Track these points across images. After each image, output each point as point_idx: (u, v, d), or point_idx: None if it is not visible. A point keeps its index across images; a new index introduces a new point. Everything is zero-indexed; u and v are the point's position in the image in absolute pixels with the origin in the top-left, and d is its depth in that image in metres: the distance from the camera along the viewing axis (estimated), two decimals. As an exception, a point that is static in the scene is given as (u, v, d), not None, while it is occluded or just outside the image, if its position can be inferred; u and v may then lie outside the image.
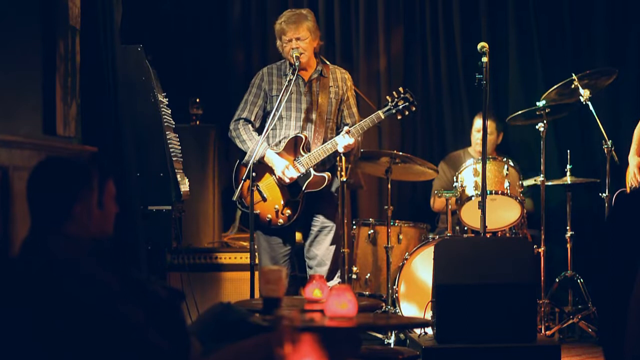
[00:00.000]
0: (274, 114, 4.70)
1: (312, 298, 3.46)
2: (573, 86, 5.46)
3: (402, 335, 5.01)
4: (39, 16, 3.67)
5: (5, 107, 3.32)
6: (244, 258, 5.48)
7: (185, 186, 4.85)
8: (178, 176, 4.70)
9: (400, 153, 5.34)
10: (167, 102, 4.84)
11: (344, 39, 6.85)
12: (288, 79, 4.73)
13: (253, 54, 6.83)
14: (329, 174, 4.83)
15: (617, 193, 5.32)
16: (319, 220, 4.89)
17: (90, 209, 2.51)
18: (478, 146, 5.96)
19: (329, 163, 4.91)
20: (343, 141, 4.73)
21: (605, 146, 5.37)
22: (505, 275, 4.35)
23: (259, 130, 4.87)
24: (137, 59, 4.63)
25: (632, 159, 5.34)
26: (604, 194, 5.38)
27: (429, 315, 4.68)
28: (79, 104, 4.05)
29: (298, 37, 4.75)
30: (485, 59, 4.75)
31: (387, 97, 4.90)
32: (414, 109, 4.90)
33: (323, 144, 4.81)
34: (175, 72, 6.38)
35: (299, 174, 4.77)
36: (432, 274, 4.47)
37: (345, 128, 4.75)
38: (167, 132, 4.68)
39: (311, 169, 4.80)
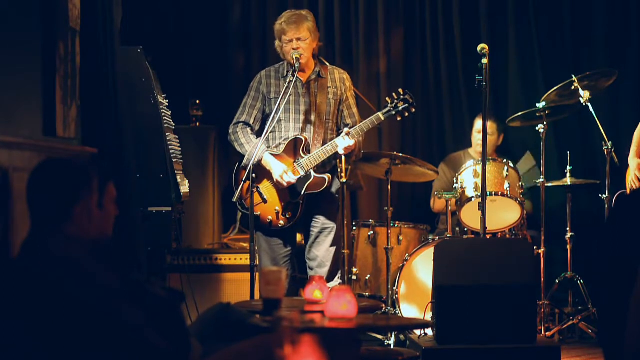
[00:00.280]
0: (273, 116, 4.71)
1: (312, 299, 3.46)
2: (573, 87, 5.46)
3: (402, 337, 5.01)
4: (39, 17, 3.67)
5: (6, 109, 3.32)
6: (244, 259, 5.47)
7: (185, 187, 4.85)
8: (178, 177, 4.70)
9: (400, 154, 5.34)
10: (167, 104, 4.84)
11: (344, 39, 6.85)
12: (288, 80, 4.73)
13: (253, 56, 6.83)
14: (329, 175, 4.83)
15: (617, 194, 5.32)
16: (320, 222, 4.89)
17: (90, 210, 2.51)
18: (479, 147, 5.97)
19: (329, 164, 4.91)
20: (343, 143, 4.73)
21: (605, 147, 5.36)
22: (505, 277, 4.35)
23: (259, 133, 4.87)
24: (137, 60, 4.62)
25: (632, 160, 5.34)
26: (604, 195, 5.38)
27: (429, 317, 4.68)
28: (79, 105, 4.05)
29: (299, 38, 4.75)
30: (485, 61, 4.75)
31: (387, 98, 4.91)
32: (413, 110, 4.91)
33: (323, 145, 4.81)
34: (175, 74, 6.38)
35: (298, 177, 4.77)
36: (432, 275, 4.47)
37: (345, 130, 4.75)
38: (167, 134, 4.68)
39: (311, 171, 4.80)
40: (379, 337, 5.10)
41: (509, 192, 5.27)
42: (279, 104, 4.70)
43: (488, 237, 4.94)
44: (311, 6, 6.77)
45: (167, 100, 4.85)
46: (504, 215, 5.34)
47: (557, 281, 5.57)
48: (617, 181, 5.53)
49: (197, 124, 6.19)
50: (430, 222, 6.07)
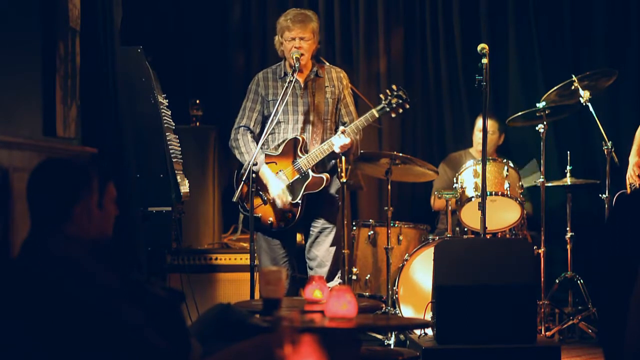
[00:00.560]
0: (272, 118, 4.70)
1: (312, 299, 3.46)
2: (573, 87, 5.46)
3: (402, 336, 5.01)
4: (39, 17, 3.67)
5: (6, 109, 3.32)
6: (243, 259, 5.47)
7: (185, 187, 4.85)
8: (178, 177, 4.70)
9: (400, 154, 5.34)
10: (167, 103, 4.84)
11: (344, 39, 6.85)
12: (288, 80, 4.72)
13: (253, 55, 6.83)
14: (328, 175, 4.83)
15: (617, 194, 5.32)
16: (320, 222, 4.89)
17: (90, 210, 2.51)
18: (480, 146, 5.97)
19: (329, 164, 4.91)
20: (339, 141, 4.72)
21: (605, 147, 5.36)
22: (505, 276, 4.35)
23: (260, 136, 4.87)
24: (137, 60, 4.62)
25: (632, 158, 5.34)
26: (604, 195, 5.38)
27: (429, 316, 4.68)
28: (79, 105, 4.05)
29: (302, 37, 4.75)
30: (485, 60, 4.75)
31: (381, 95, 4.89)
32: (407, 106, 4.89)
33: (321, 144, 4.81)
34: (175, 74, 6.38)
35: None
36: (432, 275, 4.47)
37: (341, 128, 4.75)
38: (167, 134, 4.68)
39: (309, 171, 4.79)
40: (379, 337, 5.10)
41: (509, 192, 5.27)
42: (278, 106, 4.69)
43: (488, 237, 4.94)
44: (311, 6, 6.76)
45: (167, 100, 4.85)
46: (504, 215, 5.34)
47: (557, 281, 5.57)
48: (617, 181, 5.52)
49: (197, 123, 6.19)
50: (430, 222, 6.07)
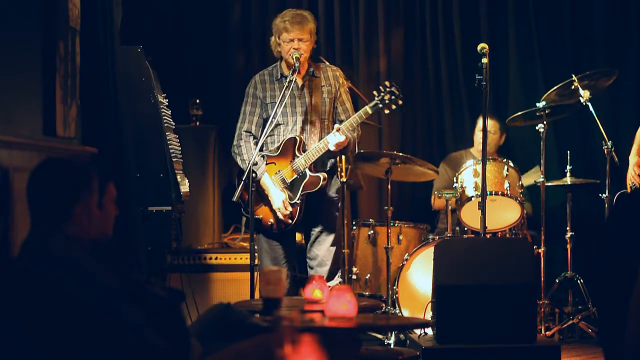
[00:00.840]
0: (271, 121, 4.70)
1: (312, 298, 3.46)
2: (573, 87, 5.46)
3: (402, 336, 5.01)
4: (39, 17, 3.67)
5: (6, 108, 3.32)
6: (243, 259, 5.47)
7: (185, 187, 4.85)
8: (178, 177, 4.71)
9: (400, 154, 5.33)
10: (167, 103, 4.84)
11: (344, 39, 6.85)
12: (288, 80, 4.72)
13: (253, 55, 6.83)
14: (325, 174, 4.82)
15: (618, 194, 5.32)
16: (320, 222, 4.89)
17: (90, 210, 2.51)
18: (480, 145, 5.97)
19: (329, 163, 4.91)
20: (334, 139, 4.71)
21: (605, 147, 5.36)
22: (505, 276, 4.35)
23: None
24: (137, 59, 4.63)
25: (632, 158, 5.34)
26: (604, 195, 5.38)
27: (429, 316, 4.68)
28: (79, 105, 4.05)
29: (301, 38, 4.74)
30: (485, 60, 4.75)
31: (374, 92, 4.89)
32: (400, 102, 4.87)
33: (317, 143, 4.81)
34: (175, 73, 6.38)
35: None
36: (432, 274, 4.47)
37: (336, 126, 4.74)
38: (167, 133, 4.68)
39: (306, 170, 4.79)
40: (379, 336, 5.10)
41: (509, 192, 5.27)
42: (277, 108, 4.69)
43: (488, 236, 4.94)
44: (311, 6, 6.77)
45: (167, 100, 4.85)
46: (504, 214, 5.34)
47: (557, 281, 5.57)
48: (617, 181, 5.52)
49: (197, 123, 6.19)
50: (430, 221, 6.08)
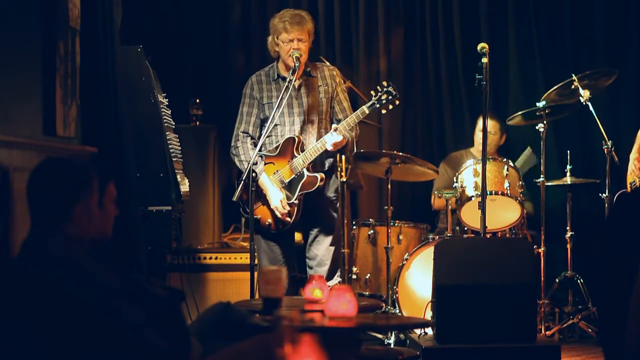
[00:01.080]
0: (270, 121, 4.69)
1: (312, 298, 3.46)
2: (573, 87, 5.46)
3: (402, 336, 5.01)
4: (39, 17, 3.67)
5: (6, 108, 3.32)
6: (244, 258, 5.47)
7: (185, 187, 4.85)
8: (178, 177, 4.71)
9: (401, 153, 5.34)
10: (167, 103, 4.84)
11: (344, 39, 6.85)
12: (287, 80, 4.71)
13: (253, 56, 6.83)
14: (322, 174, 4.82)
15: (618, 193, 5.32)
16: (319, 221, 4.89)
17: (90, 210, 2.51)
18: (480, 145, 5.97)
19: (327, 163, 4.90)
20: (331, 139, 4.71)
21: (605, 147, 5.36)
22: (505, 276, 4.35)
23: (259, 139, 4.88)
24: (137, 59, 4.63)
25: (632, 155, 5.35)
26: (604, 195, 5.38)
27: (428, 316, 4.68)
28: (79, 104, 4.05)
29: (300, 39, 4.74)
30: (485, 60, 4.75)
31: (372, 91, 4.88)
32: (397, 102, 4.87)
33: (315, 143, 4.80)
34: (175, 73, 6.38)
35: (290, 178, 4.77)
36: (432, 274, 4.47)
37: (334, 126, 4.74)
38: (167, 133, 4.68)
39: (304, 170, 4.78)
40: (379, 336, 5.10)
41: (509, 191, 5.27)
42: (277, 109, 4.68)
43: (488, 236, 4.94)
44: (311, 6, 6.77)
45: (167, 100, 4.85)
46: (504, 214, 5.34)
47: (557, 280, 5.57)
48: (617, 180, 5.53)
49: (197, 123, 6.20)
50: (430, 221, 6.08)
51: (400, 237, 5.51)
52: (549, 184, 5.55)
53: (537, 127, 5.44)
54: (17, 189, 3.09)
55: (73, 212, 2.48)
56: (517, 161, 6.08)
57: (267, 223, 4.82)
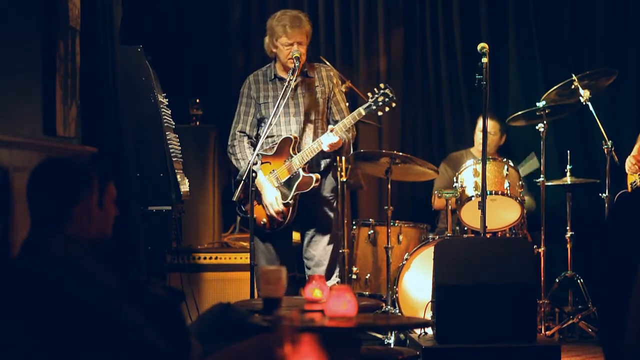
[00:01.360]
0: (270, 122, 4.69)
1: (312, 298, 3.46)
2: (573, 87, 5.46)
3: (402, 336, 5.01)
4: (39, 17, 3.67)
5: (6, 108, 3.32)
6: (244, 258, 5.47)
7: (185, 186, 4.85)
8: (178, 176, 4.71)
9: (401, 153, 5.34)
10: (167, 103, 4.84)
11: (344, 39, 6.85)
12: (288, 80, 4.71)
13: (253, 55, 6.83)
14: (318, 175, 4.81)
15: (619, 193, 5.32)
16: (316, 221, 4.88)
17: (90, 210, 2.51)
18: (481, 145, 5.97)
19: (323, 163, 4.89)
20: (327, 139, 4.70)
21: (605, 147, 5.36)
22: (505, 276, 4.35)
23: (257, 138, 4.88)
24: (137, 59, 4.63)
25: (632, 153, 5.35)
26: (604, 195, 5.38)
27: (428, 316, 4.68)
28: (79, 104, 4.05)
29: (300, 42, 4.74)
30: (485, 60, 4.75)
31: (369, 93, 4.88)
32: (394, 104, 4.86)
33: (311, 143, 4.80)
34: (175, 73, 6.38)
35: (285, 178, 4.76)
36: (432, 274, 4.47)
37: (330, 126, 4.74)
38: (167, 133, 4.68)
39: (300, 170, 4.78)
40: (379, 336, 5.10)
41: (509, 191, 5.28)
42: (277, 109, 4.68)
43: (488, 236, 4.94)
44: (311, 6, 6.78)
45: (167, 100, 4.85)
46: (504, 214, 5.34)
47: (557, 280, 5.57)
48: (617, 180, 5.53)
49: (197, 123, 6.19)
50: (430, 221, 6.08)
51: (400, 237, 5.51)
52: (549, 184, 5.55)
53: (537, 127, 5.44)
54: (17, 189, 3.08)
55: (73, 212, 2.48)
56: (520, 165, 6.08)
57: (262, 223, 4.81)
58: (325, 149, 4.71)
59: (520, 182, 5.39)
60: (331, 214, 4.92)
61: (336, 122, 4.83)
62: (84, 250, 2.48)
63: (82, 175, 2.52)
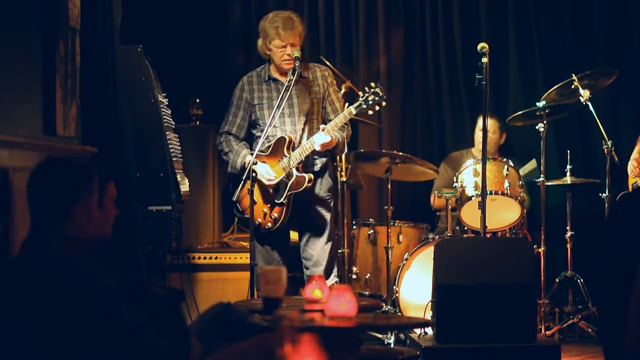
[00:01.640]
0: (269, 123, 4.68)
1: (312, 298, 3.46)
2: (573, 86, 5.46)
3: (402, 336, 5.01)
4: (39, 17, 3.67)
5: (6, 108, 3.32)
6: (243, 258, 5.47)
7: (185, 186, 4.85)
8: (178, 176, 4.70)
9: (401, 153, 5.34)
10: (167, 103, 4.84)
11: (344, 39, 6.85)
12: (287, 79, 4.71)
13: (253, 55, 6.81)
14: (311, 175, 4.80)
15: (620, 195, 5.32)
16: (312, 220, 4.88)
17: (90, 210, 2.51)
18: (481, 145, 5.97)
19: (320, 163, 4.89)
20: (319, 139, 4.70)
21: (605, 146, 5.36)
22: (505, 276, 4.35)
23: (247, 139, 4.88)
24: (137, 59, 4.63)
25: (633, 156, 5.35)
26: (603, 194, 5.38)
27: (429, 316, 4.68)
28: (79, 104, 4.05)
29: (293, 43, 4.74)
30: (485, 60, 4.75)
31: (359, 92, 4.88)
32: (384, 103, 4.85)
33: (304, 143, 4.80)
34: (175, 73, 6.38)
35: (281, 177, 4.75)
36: (432, 274, 4.47)
37: (322, 126, 4.73)
38: (167, 133, 4.68)
39: (293, 170, 4.77)
40: (379, 336, 5.10)
41: (509, 191, 5.28)
42: (275, 110, 4.67)
43: (488, 236, 4.94)
44: (311, 6, 6.78)
45: (167, 99, 4.85)
46: (504, 214, 5.34)
47: (557, 280, 5.57)
48: (617, 180, 5.53)
49: (197, 123, 6.19)
50: (430, 221, 6.08)
51: (400, 237, 5.51)
52: (549, 183, 5.55)
53: (537, 127, 5.44)
54: (17, 189, 3.08)
55: (73, 212, 2.48)
56: (521, 169, 6.07)
57: (257, 222, 4.81)
58: (317, 148, 4.70)
59: (520, 183, 5.40)
60: (328, 214, 4.91)
61: (330, 122, 4.83)
62: (84, 250, 2.48)
63: (82, 175, 2.52)
